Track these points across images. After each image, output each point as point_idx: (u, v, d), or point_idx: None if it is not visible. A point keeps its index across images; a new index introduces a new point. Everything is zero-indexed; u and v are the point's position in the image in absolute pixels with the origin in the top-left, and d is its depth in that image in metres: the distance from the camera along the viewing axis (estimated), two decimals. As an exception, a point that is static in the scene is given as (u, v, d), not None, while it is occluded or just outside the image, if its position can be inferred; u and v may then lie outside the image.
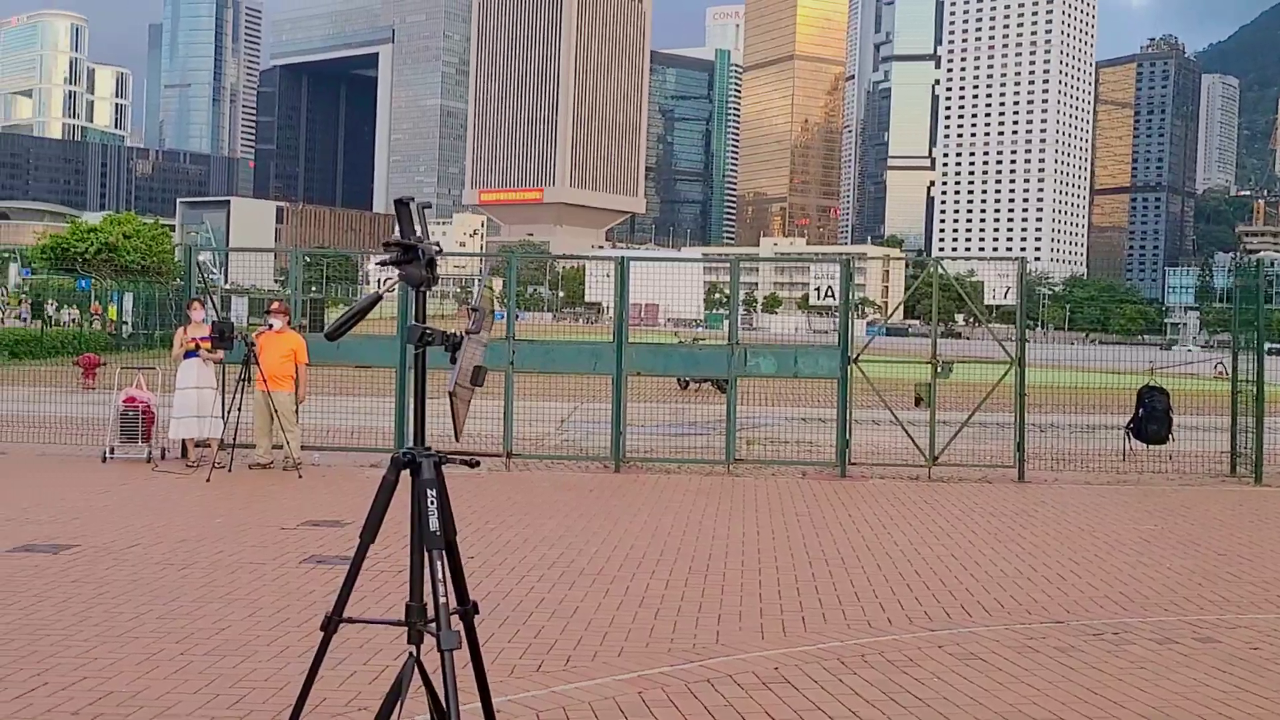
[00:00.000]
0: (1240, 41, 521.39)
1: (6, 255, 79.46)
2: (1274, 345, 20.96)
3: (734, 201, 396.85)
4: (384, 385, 15.32)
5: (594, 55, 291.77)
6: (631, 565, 8.78)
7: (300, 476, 13.05)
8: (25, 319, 47.74)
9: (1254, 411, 15.15)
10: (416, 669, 3.56)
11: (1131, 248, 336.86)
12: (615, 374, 14.74)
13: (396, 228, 3.51)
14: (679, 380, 26.43)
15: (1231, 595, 8.26)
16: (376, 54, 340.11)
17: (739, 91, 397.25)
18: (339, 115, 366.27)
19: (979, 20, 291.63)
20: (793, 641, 6.77)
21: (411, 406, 3.70)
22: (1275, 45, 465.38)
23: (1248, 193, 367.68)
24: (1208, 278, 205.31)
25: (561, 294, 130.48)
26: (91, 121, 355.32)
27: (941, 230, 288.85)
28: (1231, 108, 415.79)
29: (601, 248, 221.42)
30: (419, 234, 3.49)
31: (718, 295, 63.24)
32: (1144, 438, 16.12)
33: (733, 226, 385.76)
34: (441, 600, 3.36)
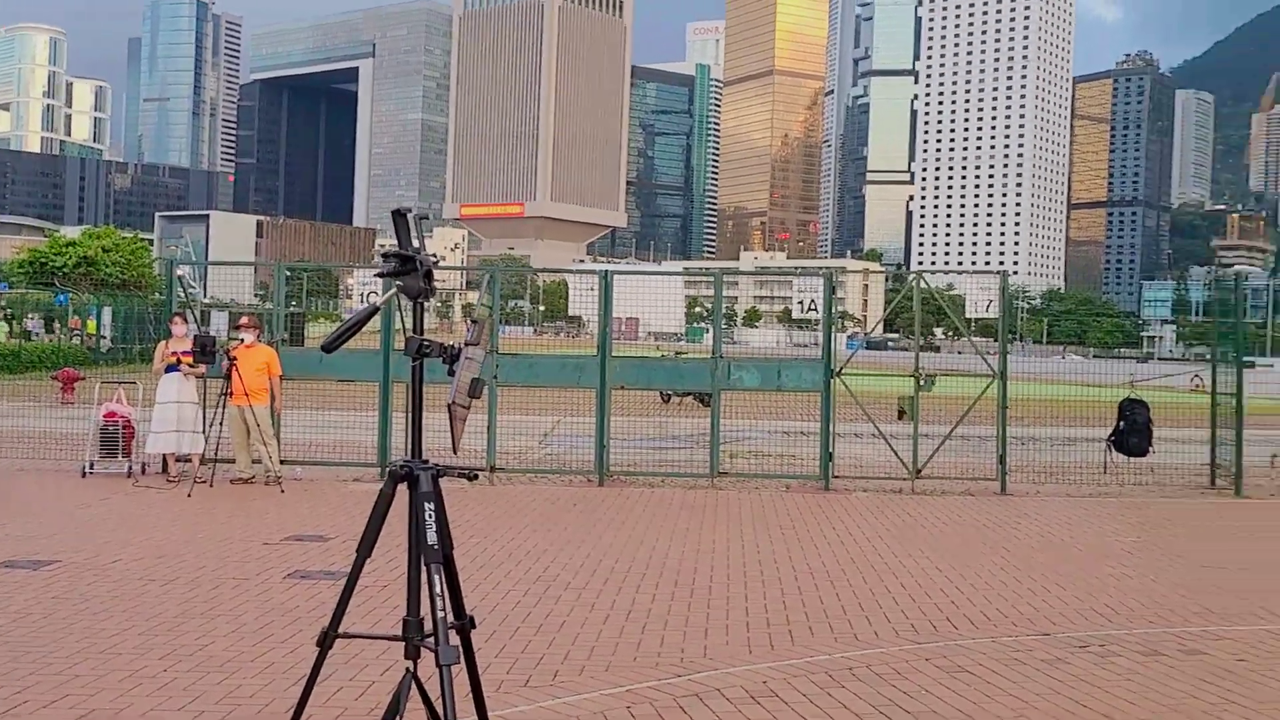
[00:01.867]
0: (1215, 58, 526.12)
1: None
2: (1250, 358, 21.09)
3: (714, 215, 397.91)
4: (367, 400, 15.27)
5: (575, 70, 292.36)
6: (617, 579, 8.76)
7: (282, 491, 12.99)
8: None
9: (1233, 424, 15.23)
10: (414, 685, 3.53)
11: (1108, 261, 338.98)
12: (599, 387, 14.72)
13: (391, 239, 3.50)
14: (661, 394, 26.42)
15: (1215, 607, 8.29)
16: (357, 68, 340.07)
17: (719, 106, 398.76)
18: (319, 129, 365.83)
19: (957, 36, 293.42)
20: (780, 655, 6.76)
21: (404, 420, 3.69)
22: (1249, 62, 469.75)
23: (1222, 207, 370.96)
24: (1183, 291, 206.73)
25: (542, 308, 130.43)
26: (69, 135, 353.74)
27: (921, 244, 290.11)
28: (1206, 123, 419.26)
29: (582, 261, 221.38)
30: (416, 245, 3.48)
31: (698, 309, 63.33)
32: (1125, 450, 16.19)
33: (713, 240, 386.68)
34: (440, 615, 3.34)
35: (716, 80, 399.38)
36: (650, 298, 17.98)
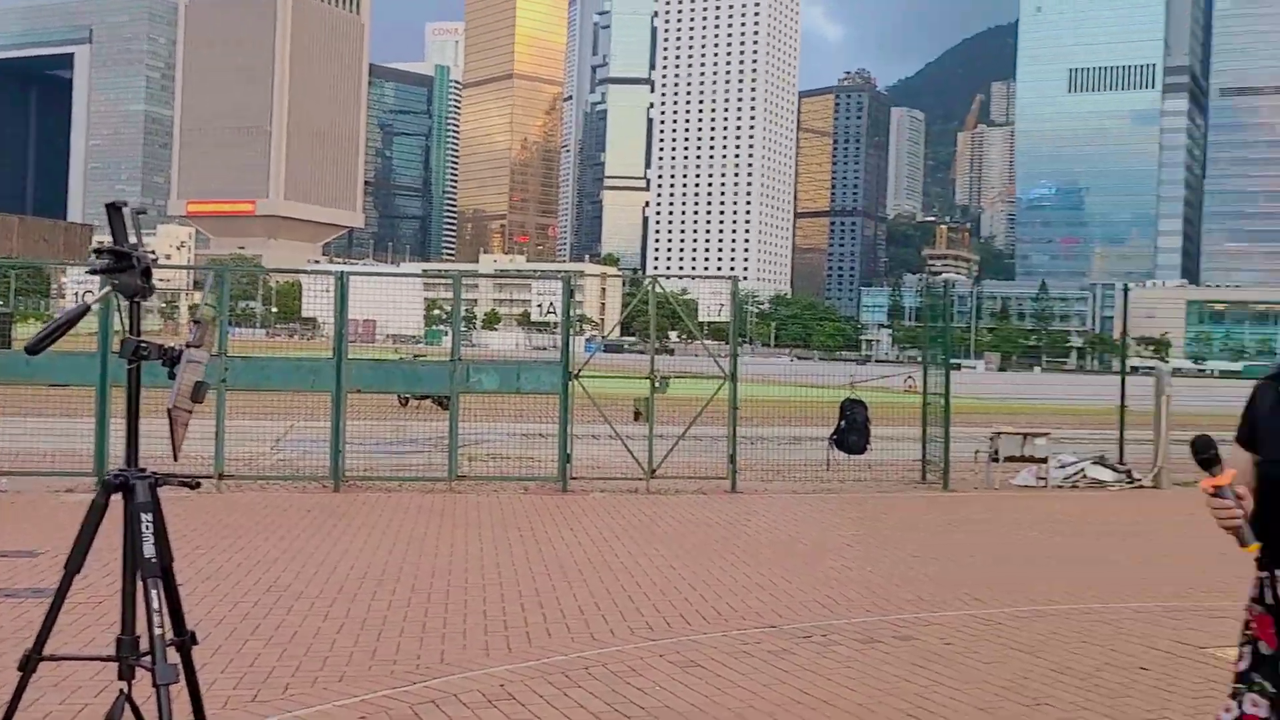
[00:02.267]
0: (926, 78, 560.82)
1: None
2: (956, 360, 22.58)
3: (454, 218, 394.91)
4: (83, 405, 14.36)
5: (309, 65, 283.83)
6: (352, 587, 8.57)
7: (-16, 504, 12.06)
8: None
9: (942, 422, 16.28)
10: (129, 707, 3.35)
11: (830, 268, 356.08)
12: (334, 391, 14.36)
13: (107, 234, 3.31)
14: (399, 397, 26.00)
15: (926, 594, 8.83)
16: (72, 54, 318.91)
17: (459, 108, 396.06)
18: (29, 117, 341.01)
19: (690, 48, 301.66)
20: (519, 657, 6.77)
21: (120, 426, 3.50)
22: (955, 83, 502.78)
23: (932, 219, 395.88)
24: (898, 297, 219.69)
25: (275, 310, 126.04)
26: None
27: (656, 249, 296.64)
28: (918, 139, 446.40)
29: (318, 262, 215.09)
30: (133, 241, 3.29)
31: (437, 311, 62.66)
32: (845, 448, 17.07)
33: (453, 243, 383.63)
34: (158, 632, 3.17)
35: (456, 82, 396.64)
36: (388, 300, 17.68)
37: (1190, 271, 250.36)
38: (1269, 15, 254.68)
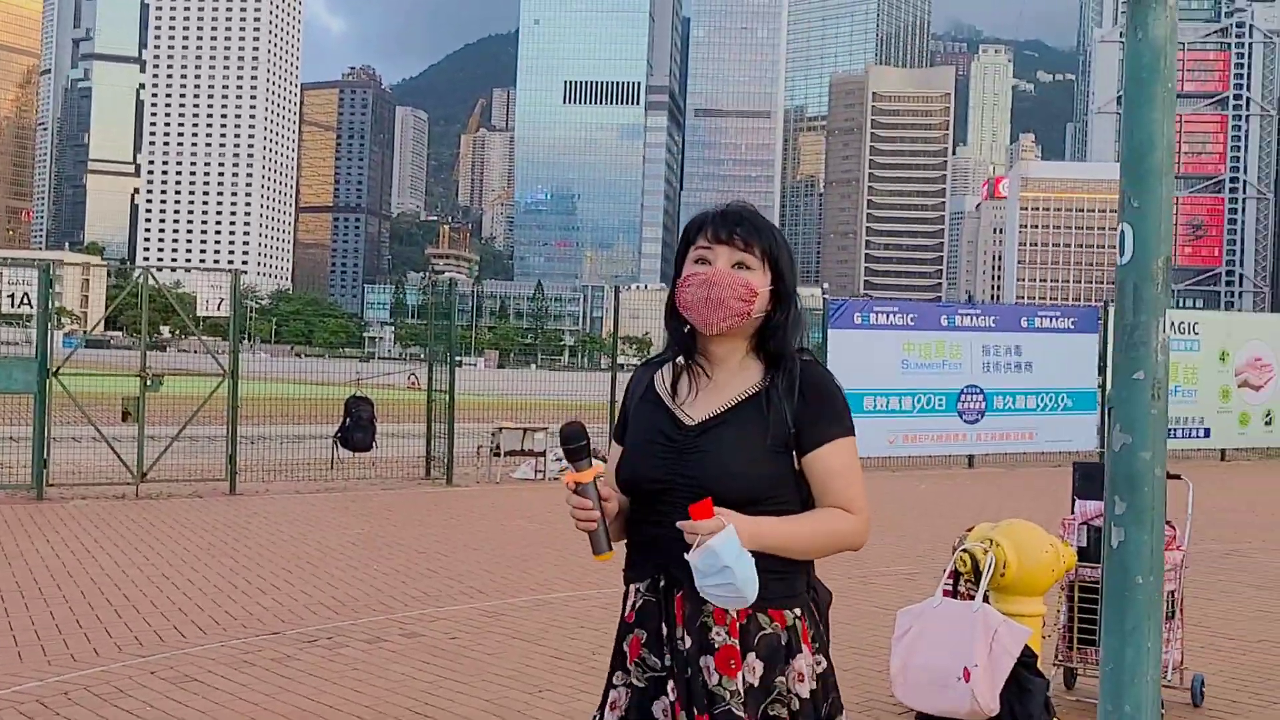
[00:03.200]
0: (429, 79, 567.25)
1: None
2: (460, 357, 22.94)
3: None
4: None
5: None
6: None
7: None
8: None
9: (446, 418, 16.50)
10: None
11: (334, 264, 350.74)
12: None
13: None
14: None
15: (431, 590, 8.90)
16: None
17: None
18: None
19: (186, 28, 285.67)
20: (-17, 688, 6.07)
21: None
22: (457, 86, 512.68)
23: (435, 218, 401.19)
24: (402, 295, 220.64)
25: None
26: None
27: (147, 239, 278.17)
28: (422, 139, 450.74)
29: None
30: None
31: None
32: (350, 445, 16.87)
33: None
34: None
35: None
36: None
37: (668, 276, 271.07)
38: (735, 45, 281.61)
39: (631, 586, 2.66)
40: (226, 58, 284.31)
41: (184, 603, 8.21)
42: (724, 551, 2.31)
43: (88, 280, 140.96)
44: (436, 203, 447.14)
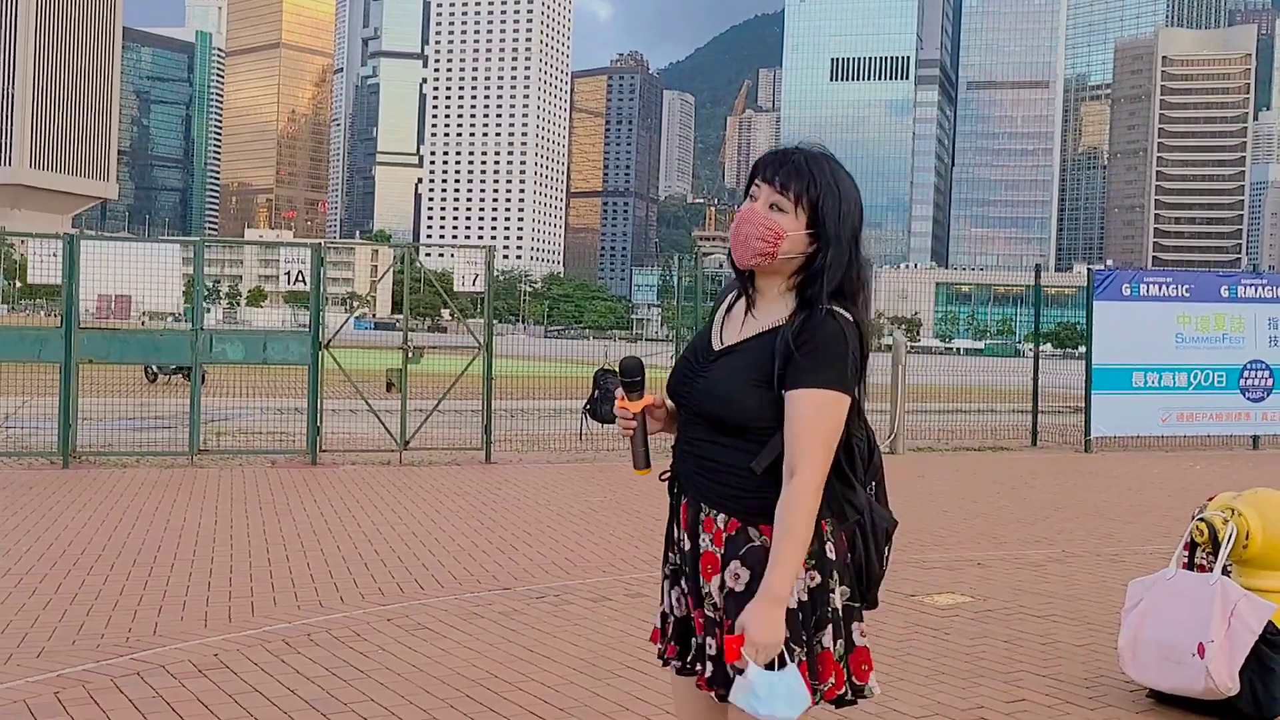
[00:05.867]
0: (695, 62, 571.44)
1: None
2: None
3: (217, 191, 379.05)
4: None
5: (56, 25, 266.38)
6: (68, 563, 8.12)
7: None
8: None
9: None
10: None
11: (603, 248, 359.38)
12: (64, 360, 13.57)
13: None
14: (146, 372, 24.86)
15: (658, 553, 8.98)
16: None
17: (222, 77, 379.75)
18: None
19: (464, 23, 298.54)
20: (238, 627, 6.56)
21: None
22: (723, 68, 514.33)
23: (701, 200, 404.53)
24: (669, 277, 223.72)
25: (19, 283, 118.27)
26: None
27: (429, 227, 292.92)
28: (689, 122, 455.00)
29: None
30: None
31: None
32: (598, 417, 17.22)
33: (216, 217, 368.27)
34: None
35: (219, 49, 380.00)
36: (142, 273, 16.73)
37: (940, 255, 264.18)
38: (1010, 14, 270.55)
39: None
40: (502, 50, 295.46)
41: (428, 559, 8.62)
42: (758, 684, 2.57)
43: (376, 266, 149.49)
44: (703, 185, 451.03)
